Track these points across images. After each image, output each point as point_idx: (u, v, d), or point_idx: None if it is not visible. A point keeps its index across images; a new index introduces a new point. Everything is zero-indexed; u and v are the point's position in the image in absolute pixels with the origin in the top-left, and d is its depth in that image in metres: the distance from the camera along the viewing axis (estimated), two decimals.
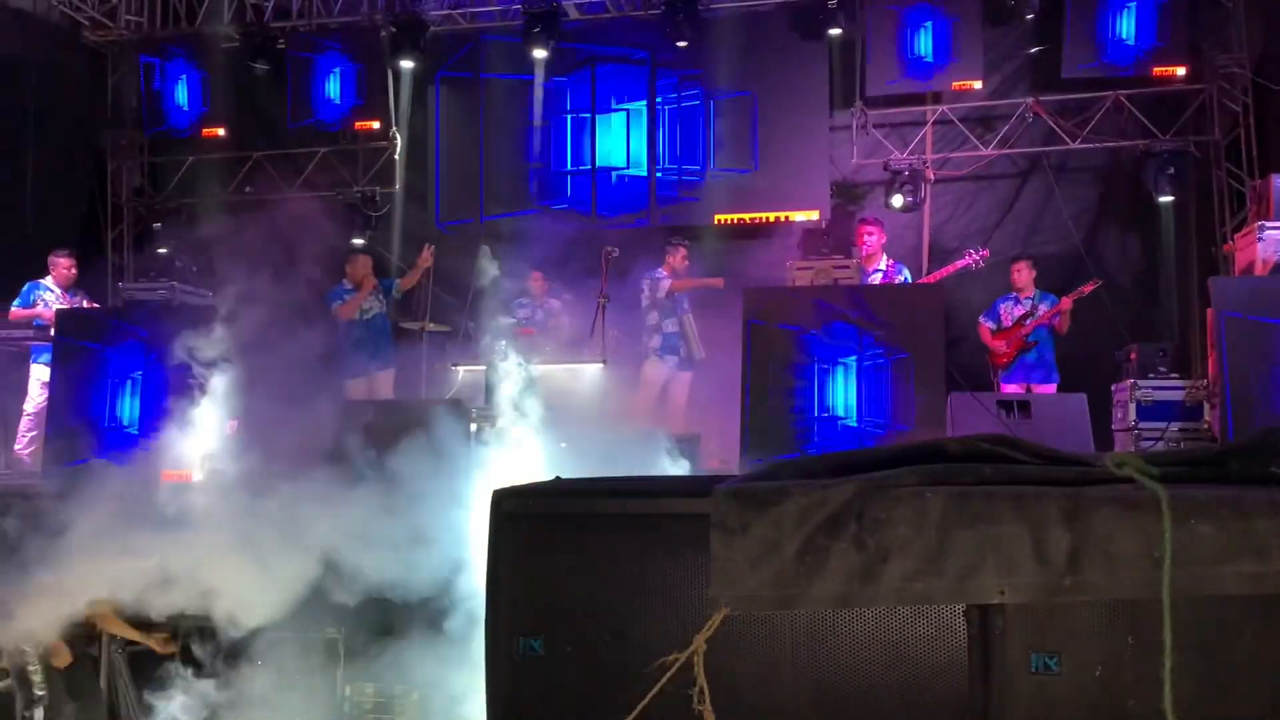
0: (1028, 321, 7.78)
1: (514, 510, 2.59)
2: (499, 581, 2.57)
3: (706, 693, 2.31)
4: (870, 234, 7.60)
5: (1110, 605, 2.21)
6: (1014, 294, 8.02)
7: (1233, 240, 7.88)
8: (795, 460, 2.61)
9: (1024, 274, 7.96)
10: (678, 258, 8.28)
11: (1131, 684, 2.19)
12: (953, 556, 2.26)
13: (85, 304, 8.19)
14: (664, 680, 2.33)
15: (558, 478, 2.85)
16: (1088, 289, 7.70)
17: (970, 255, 7.77)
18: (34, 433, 7.85)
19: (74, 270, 8.29)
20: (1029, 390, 7.74)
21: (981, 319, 8.07)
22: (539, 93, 10.60)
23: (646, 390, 8.04)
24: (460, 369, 7.71)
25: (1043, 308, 7.86)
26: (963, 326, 8.25)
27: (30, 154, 10.05)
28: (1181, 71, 9.08)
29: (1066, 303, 7.67)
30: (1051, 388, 7.80)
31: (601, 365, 7.40)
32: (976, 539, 2.25)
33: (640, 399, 7.99)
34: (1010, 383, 7.86)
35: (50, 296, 8.11)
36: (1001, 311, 8.01)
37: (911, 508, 2.29)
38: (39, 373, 7.84)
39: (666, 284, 8.11)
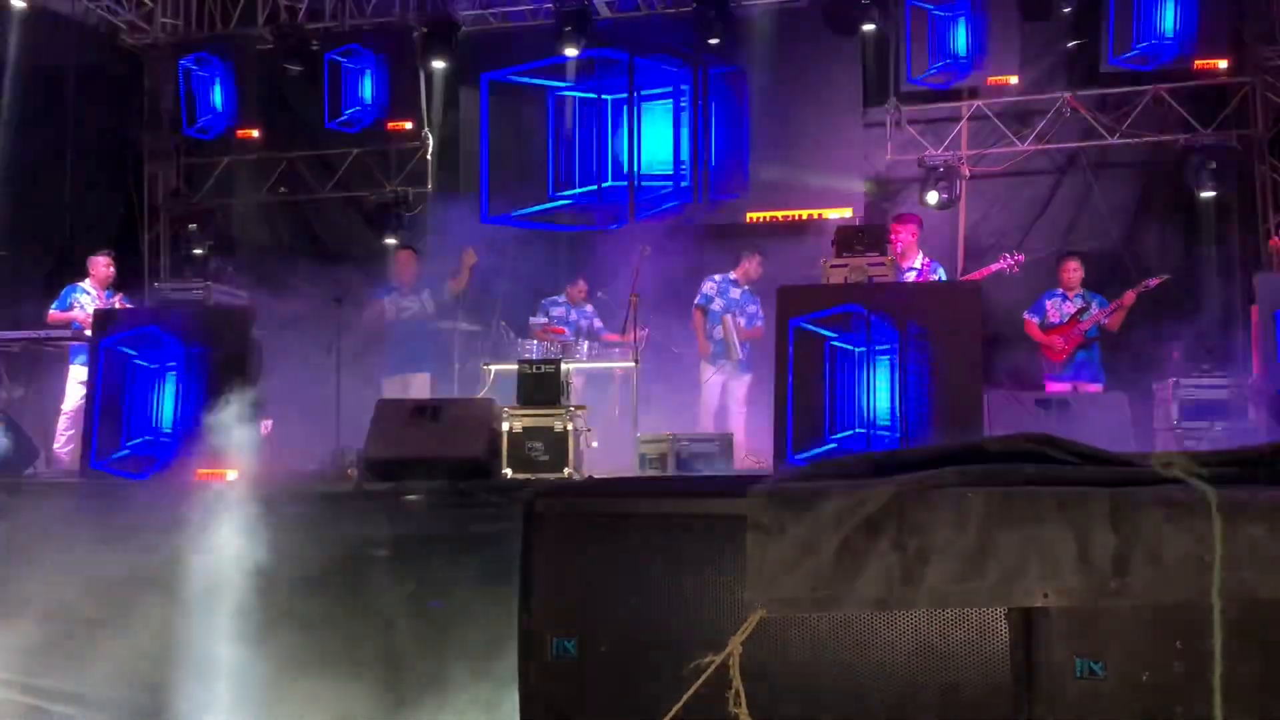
0: (1084, 317, 7.66)
1: (547, 510, 2.57)
2: (532, 581, 2.56)
3: (743, 696, 2.28)
4: (899, 231, 7.51)
5: (1158, 609, 2.16)
6: (1061, 291, 7.88)
7: (1277, 235, 7.73)
8: (833, 460, 2.57)
9: (1075, 272, 7.84)
10: (753, 264, 8.26)
11: (1180, 690, 2.14)
12: (995, 558, 2.21)
13: (120, 304, 8.26)
14: (699, 683, 2.30)
15: (590, 477, 2.82)
16: (1154, 283, 7.54)
17: (1006, 259, 7.65)
18: (71, 431, 7.97)
19: (112, 269, 8.39)
20: (1075, 389, 7.60)
21: (1026, 315, 7.93)
22: (569, 96, 10.62)
23: (706, 394, 8.00)
24: (493, 368, 7.71)
25: (1094, 305, 7.70)
26: (1000, 323, 8.10)
27: (68, 157, 10.15)
28: (1223, 64, 8.88)
29: (1130, 297, 7.52)
30: (1098, 387, 7.66)
31: (634, 365, 7.38)
32: (1019, 541, 2.20)
33: (702, 403, 7.95)
34: (1059, 381, 7.71)
35: (86, 299, 8.20)
36: (1048, 307, 7.89)
37: (952, 509, 2.25)
38: (77, 374, 7.93)
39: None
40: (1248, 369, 7.31)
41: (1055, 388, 7.65)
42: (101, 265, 8.33)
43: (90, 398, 6.53)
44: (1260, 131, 9.10)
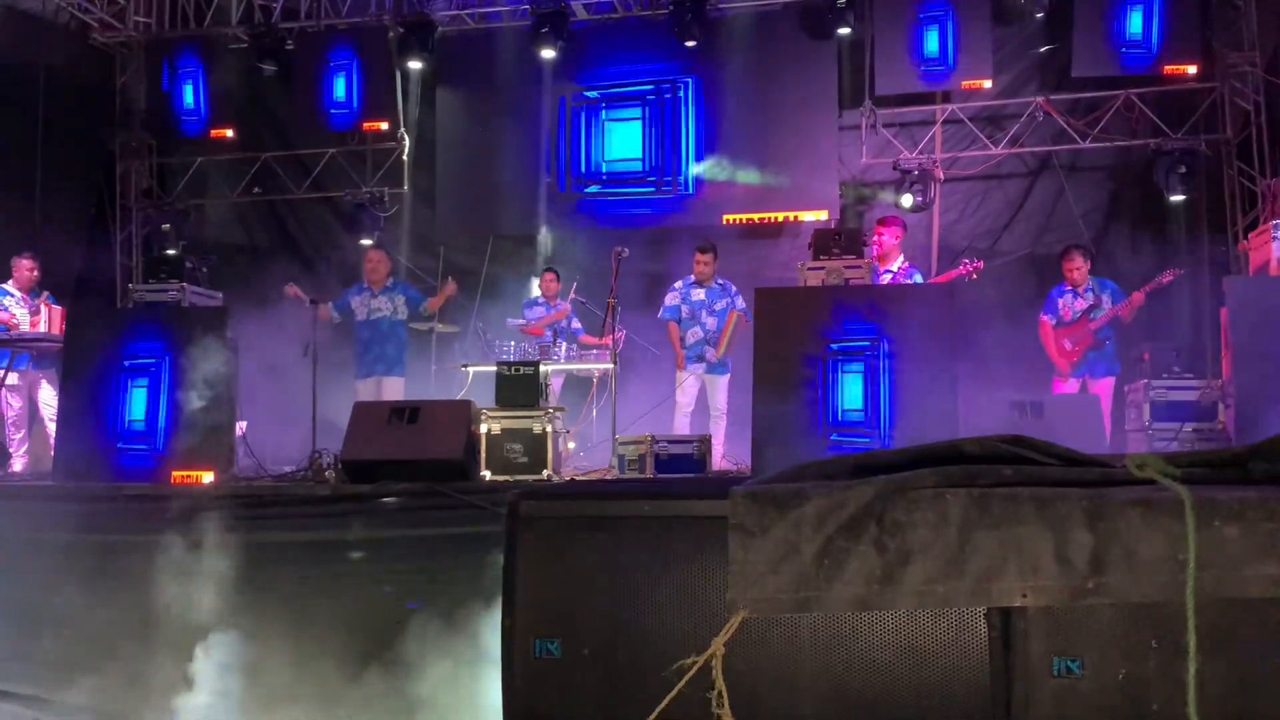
0: (1095, 315, 7.55)
1: (530, 512, 2.57)
2: (515, 584, 2.56)
3: (725, 696, 2.29)
4: (883, 234, 7.53)
5: (1133, 608, 2.20)
6: (1070, 288, 7.74)
7: (1246, 239, 7.83)
8: (814, 462, 2.59)
9: (1079, 269, 7.69)
10: (696, 264, 8.03)
11: (1155, 687, 2.18)
12: (974, 559, 2.24)
13: (46, 305, 8.00)
14: (682, 683, 2.31)
15: (572, 479, 2.83)
16: (1166, 279, 7.41)
17: (965, 265, 7.62)
18: (20, 434, 7.84)
19: (36, 272, 8.17)
20: (1084, 386, 7.54)
21: (1043, 316, 7.79)
22: (547, 97, 10.63)
23: (682, 398, 7.89)
24: (470, 369, 7.69)
25: (1106, 298, 7.60)
26: (994, 324, 8.04)
27: (39, 156, 10.04)
28: (1192, 70, 9.00)
29: (1139, 297, 7.39)
30: (1110, 382, 7.59)
31: (612, 367, 7.39)
32: (998, 541, 2.24)
33: (676, 406, 7.85)
34: (1071, 377, 7.59)
35: (11, 301, 7.99)
36: (1060, 305, 7.75)
37: (932, 510, 2.28)
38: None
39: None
40: (1217, 371, 7.41)
41: (1063, 388, 7.57)
42: (25, 268, 8.12)
43: (63, 401, 6.49)
44: (1228, 136, 9.23)
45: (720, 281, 8.08)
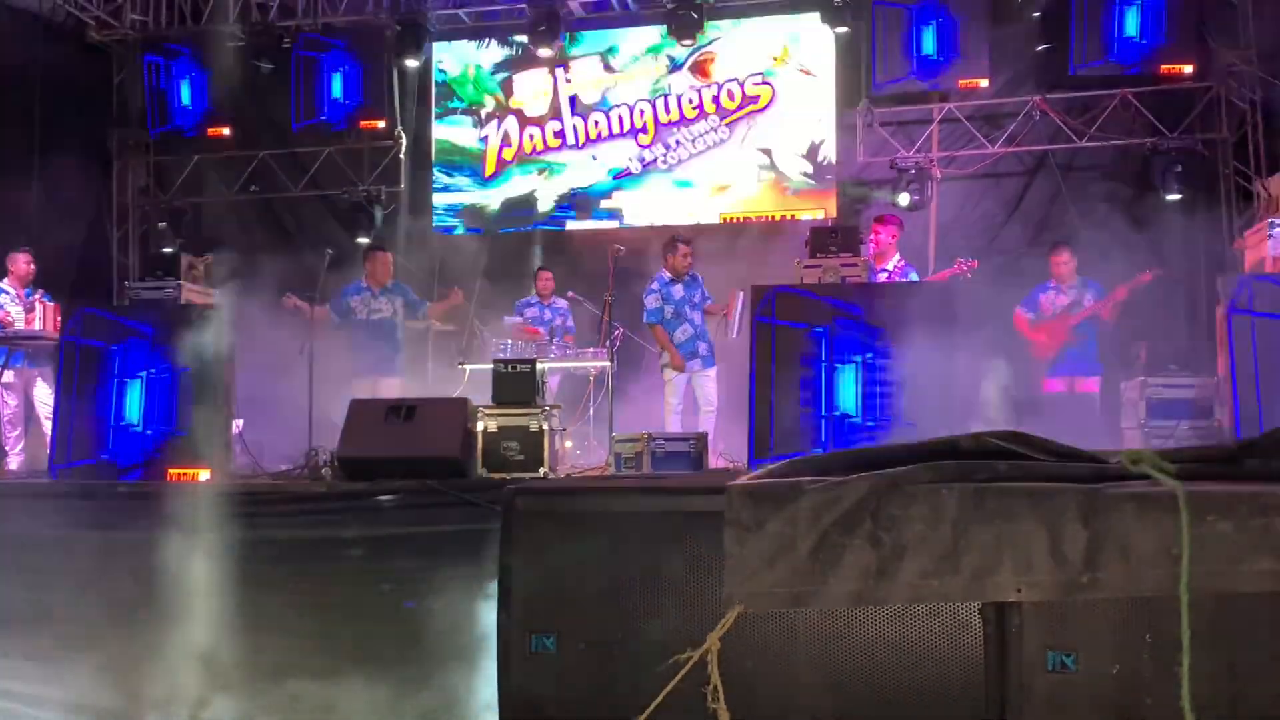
0: (1074, 312, 7.59)
1: (527, 507, 2.58)
2: (511, 579, 2.56)
3: (721, 691, 2.30)
4: (880, 232, 7.52)
5: (1128, 603, 2.20)
6: (1054, 284, 7.78)
7: (1242, 237, 7.84)
8: (809, 458, 2.60)
9: (1066, 264, 7.71)
10: (678, 256, 7.90)
11: (1149, 682, 2.18)
12: (969, 554, 2.25)
13: (41, 303, 7.96)
14: (678, 678, 2.32)
15: (569, 475, 2.84)
16: (1147, 278, 7.43)
17: (960, 264, 7.63)
18: (16, 432, 7.83)
19: (33, 266, 8.16)
20: (1072, 387, 7.55)
21: (1019, 309, 7.81)
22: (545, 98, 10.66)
23: (670, 395, 7.78)
24: (467, 367, 7.69)
25: (1088, 296, 7.63)
26: (997, 323, 8.04)
27: (36, 154, 10.02)
28: (1189, 69, 9.01)
29: (1121, 293, 7.44)
30: (1095, 381, 7.61)
31: (608, 365, 7.38)
32: (993, 536, 2.24)
33: (665, 404, 7.76)
34: (1054, 378, 7.62)
35: (6, 299, 8.00)
36: (1042, 301, 7.78)
37: (927, 505, 2.28)
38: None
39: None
40: (1213, 369, 7.41)
41: (1052, 386, 7.59)
42: (22, 262, 8.11)
43: (59, 398, 6.47)
44: (1225, 135, 9.24)
45: (690, 273, 7.99)
